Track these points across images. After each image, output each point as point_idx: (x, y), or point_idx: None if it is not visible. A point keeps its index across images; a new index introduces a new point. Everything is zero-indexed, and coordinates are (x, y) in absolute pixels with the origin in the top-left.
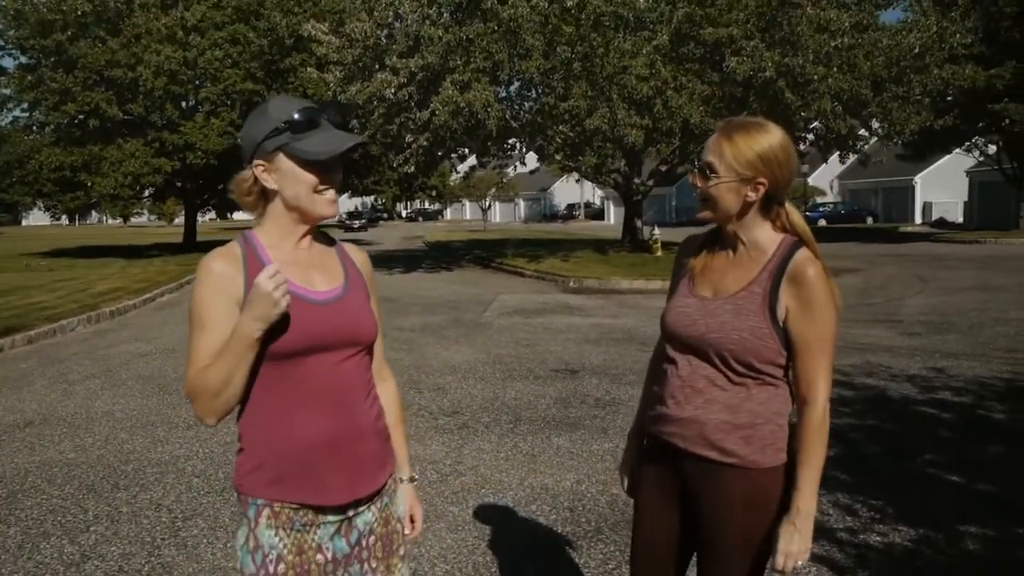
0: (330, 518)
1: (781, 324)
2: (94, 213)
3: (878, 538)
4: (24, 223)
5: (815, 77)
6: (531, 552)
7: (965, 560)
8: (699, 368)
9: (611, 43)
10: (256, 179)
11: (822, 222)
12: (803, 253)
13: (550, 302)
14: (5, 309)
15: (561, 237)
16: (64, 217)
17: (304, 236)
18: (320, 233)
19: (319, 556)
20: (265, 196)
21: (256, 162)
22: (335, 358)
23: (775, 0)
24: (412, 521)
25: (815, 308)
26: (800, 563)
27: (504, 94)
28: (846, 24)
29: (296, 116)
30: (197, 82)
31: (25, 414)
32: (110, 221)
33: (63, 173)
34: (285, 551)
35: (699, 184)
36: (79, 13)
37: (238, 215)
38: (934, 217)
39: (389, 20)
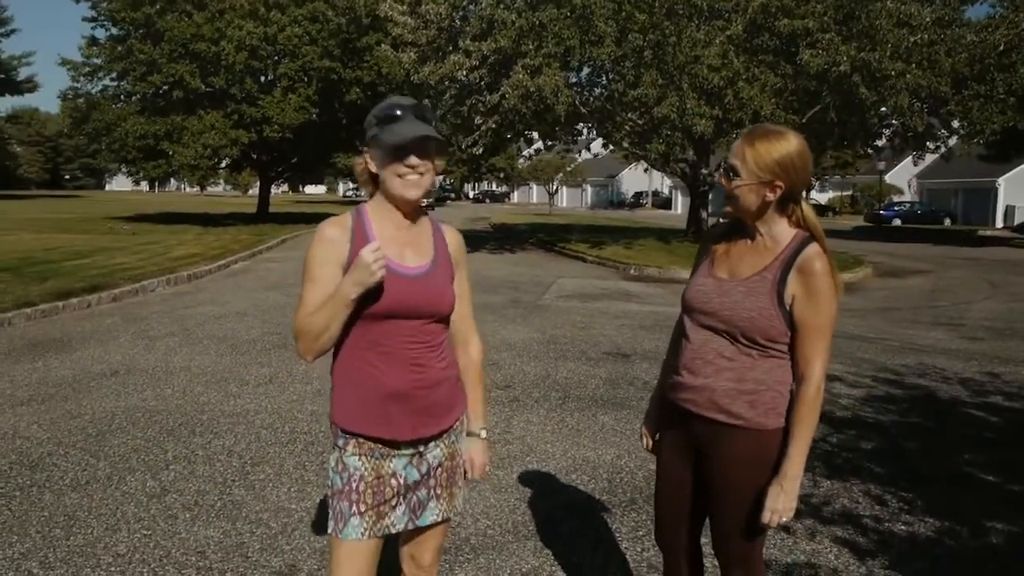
0: (404, 451)
1: (787, 308)
2: (173, 181)
3: (903, 527)
4: (108, 188)
5: (892, 72)
6: (568, 516)
7: (985, 553)
8: (710, 341)
9: (684, 32)
10: (366, 163)
11: (897, 221)
12: (813, 248)
13: (609, 288)
14: (92, 268)
15: (626, 225)
16: (145, 184)
17: (405, 215)
18: (422, 213)
19: (393, 480)
20: (375, 179)
21: (363, 149)
22: (416, 323)
23: None
24: (473, 467)
25: (818, 297)
26: (784, 519)
27: (575, 79)
28: (927, 19)
29: (384, 111)
30: (276, 58)
31: (111, 364)
32: (187, 189)
33: (147, 141)
34: (366, 472)
35: (724, 183)
36: None
37: (310, 189)
38: (1016, 221)
39: (464, 3)
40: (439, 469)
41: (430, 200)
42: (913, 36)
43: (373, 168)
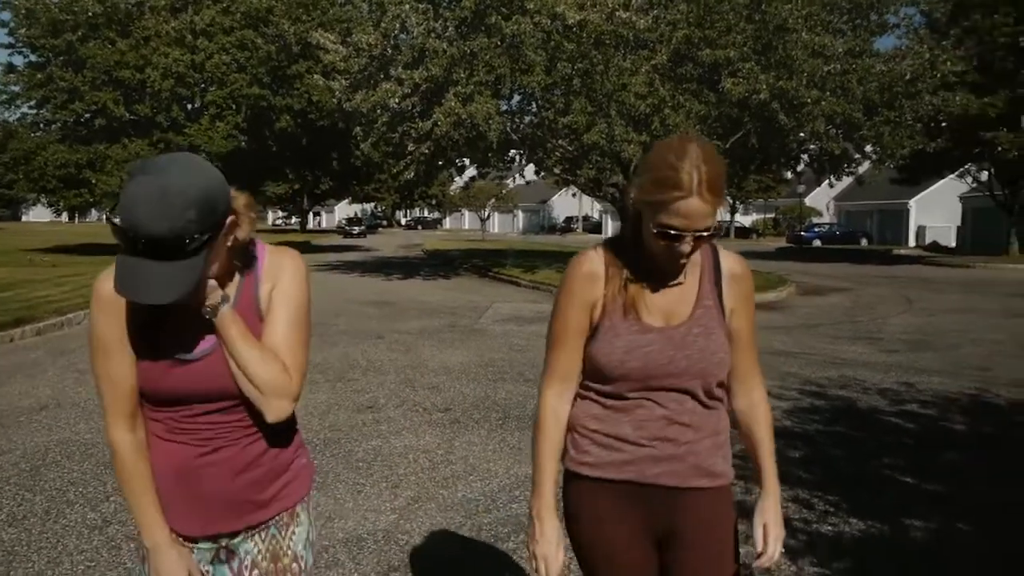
0: (201, 545)
1: (727, 328)
2: (94, 211)
3: (829, 528)
4: (24, 219)
5: (808, 100)
6: (514, 531)
7: (907, 550)
8: (682, 402)
9: (611, 61)
10: None
11: (817, 242)
12: (726, 252)
13: (544, 311)
14: (14, 301)
15: (558, 249)
16: (64, 214)
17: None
18: (242, 254)
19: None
20: None
21: None
22: (200, 408)
23: (772, 25)
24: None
25: (751, 299)
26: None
27: (506, 107)
28: (840, 50)
29: (115, 233)
30: (204, 85)
31: (40, 399)
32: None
33: (68, 170)
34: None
35: (690, 247)
36: (90, 14)
37: None
38: (927, 241)
39: (395, 32)
40: (255, 571)
41: (361, 228)
42: (827, 66)
43: None
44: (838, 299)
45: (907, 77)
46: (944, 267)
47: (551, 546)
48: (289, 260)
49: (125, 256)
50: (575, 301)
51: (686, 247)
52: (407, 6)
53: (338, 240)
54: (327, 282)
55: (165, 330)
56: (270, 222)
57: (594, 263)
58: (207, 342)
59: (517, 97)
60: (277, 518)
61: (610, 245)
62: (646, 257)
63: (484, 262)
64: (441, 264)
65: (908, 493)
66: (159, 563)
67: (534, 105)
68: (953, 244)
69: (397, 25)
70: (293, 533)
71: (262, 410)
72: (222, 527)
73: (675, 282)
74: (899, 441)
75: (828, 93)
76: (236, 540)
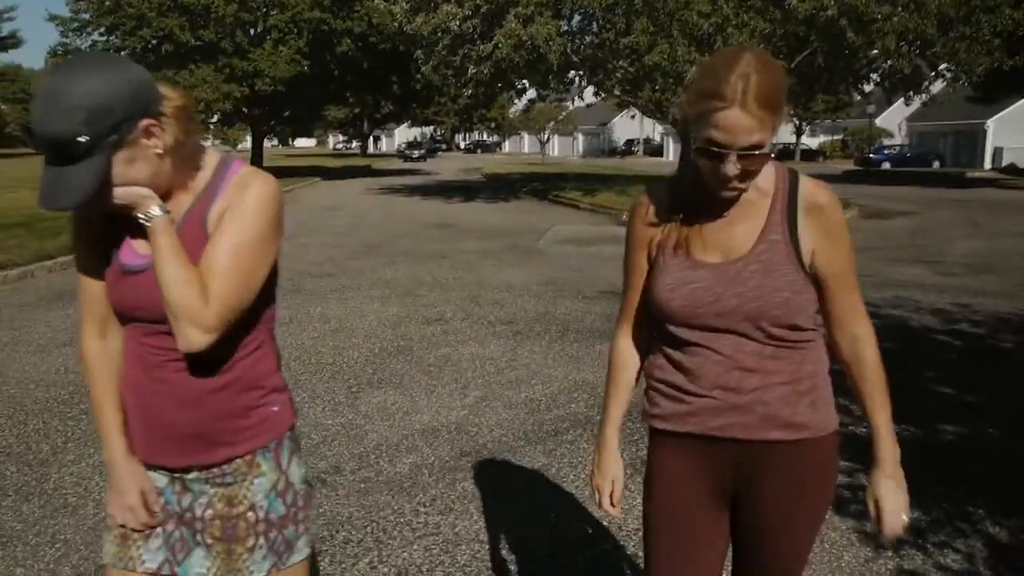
0: (153, 474)
1: (809, 268)
2: None
3: (863, 429)
4: None
5: (879, 16)
6: (572, 426)
7: (935, 448)
8: (741, 345)
9: None
10: None
11: (886, 165)
12: (809, 180)
13: (602, 233)
14: None
15: (618, 172)
16: None
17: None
18: (211, 165)
19: (161, 498)
20: None
21: None
22: (154, 328)
23: None
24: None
25: (840, 236)
26: (905, 519)
27: (566, 28)
28: None
29: (26, 135)
30: (266, 9)
31: None
32: None
33: None
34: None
35: (738, 169)
36: None
37: (300, 142)
38: (1005, 163)
39: None
40: (208, 511)
41: (421, 152)
42: None
43: None
44: (902, 222)
45: None
46: (1019, 190)
47: (605, 479)
48: (258, 181)
49: (46, 167)
50: (634, 242)
51: (731, 168)
52: None
53: (398, 164)
54: (389, 205)
55: (113, 240)
56: (331, 146)
57: (651, 201)
58: (147, 257)
59: (577, 17)
60: (233, 465)
61: (671, 179)
62: (705, 187)
63: (544, 185)
64: (501, 188)
65: (945, 401)
66: (112, 477)
67: (594, 25)
68: None
69: None
70: (251, 483)
71: (175, 336)
72: (166, 460)
73: (736, 213)
74: (945, 357)
75: (900, 8)
76: (189, 476)
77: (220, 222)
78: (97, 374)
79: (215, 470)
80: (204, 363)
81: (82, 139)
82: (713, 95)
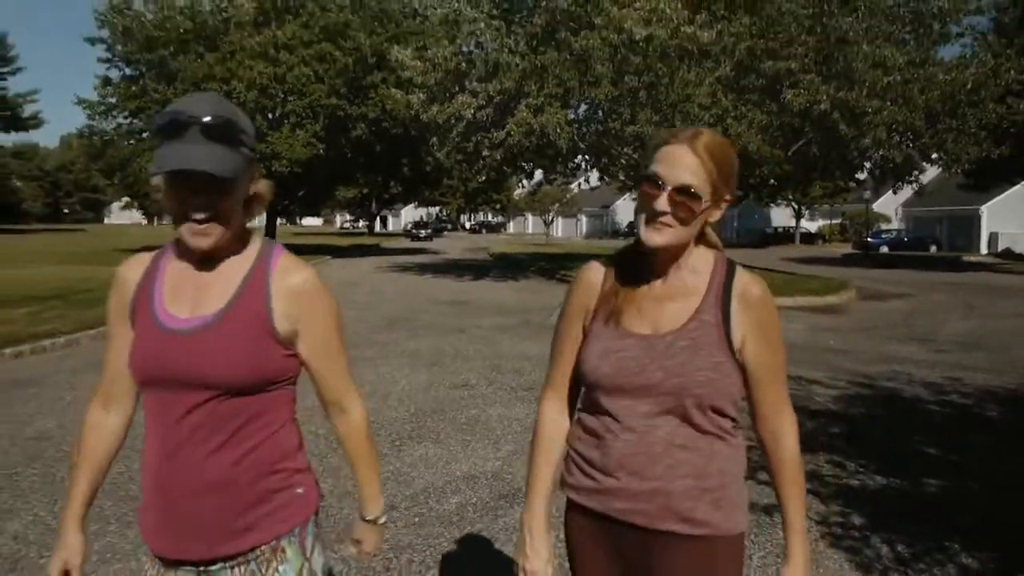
0: (182, 570)
1: (737, 355)
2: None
3: (855, 481)
4: (107, 221)
5: (869, 109)
6: None
7: (920, 500)
8: (654, 427)
9: (676, 73)
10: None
11: (884, 249)
12: (745, 272)
13: None
14: None
15: None
16: (143, 217)
17: (207, 253)
18: (255, 244)
19: None
20: None
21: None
22: (183, 398)
23: (833, 37)
24: (361, 547)
25: (770, 330)
26: None
27: (573, 116)
28: (901, 61)
29: (164, 116)
30: (285, 96)
31: None
32: None
33: None
34: None
35: (668, 207)
36: (181, 31)
37: (307, 221)
38: (1000, 248)
39: (470, 47)
40: None
41: (428, 231)
42: (888, 76)
43: (159, 194)
44: (898, 304)
45: (968, 86)
46: (1014, 275)
47: (540, 561)
48: (314, 287)
49: (170, 142)
50: (570, 310)
51: (662, 204)
52: (482, 24)
53: (405, 243)
54: (403, 282)
55: (169, 293)
56: (338, 225)
57: (593, 271)
58: (201, 319)
59: (584, 106)
60: (258, 552)
61: (618, 254)
62: (647, 263)
63: (550, 265)
64: (509, 267)
65: (931, 461)
66: (59, 539)
67: (600, 113)
68: None
69: (472, 41)
70: (276, 571)
71: None
72: (192, 554)
73: (672, 289)
74: (933, 423)
75: (889, 103)
76: (214, 568)
77: (308, 334)
78: (85, 442)
79: (240, 557)
80: (228, 443)
81: (242, 128)
82: (667, 137)
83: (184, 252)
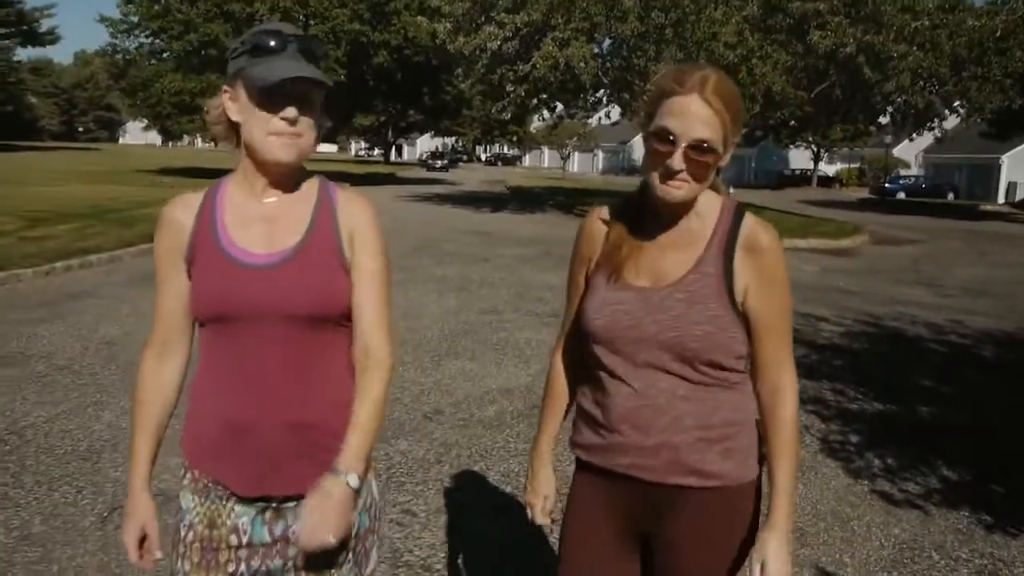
0: (248, 505)
1: (740, 307)
2: (186, 136)
3: (854, 405)
4: (121, 141)
5: (895, 54)
6: None
7: (909, 423)
8: (655, 380)
9: (703, 11)
10: (223, 107)
11: (901, 195)
12: (752, 218)
13: None
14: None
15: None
16: (158, 138)
17: (272, 183)
18: (304, 176)
19: (232, 537)
20: (236, 131)
21: (224, 87)
22: (259, 332)
23: None
24: (310, 530)
25: (777, 280)
26: None
27: (597, 50)
28: (931, 6)
29: (257, 38)
30: (307, 20)
31: None
32: (199, 144)
33: (182, 97)
34: (197, 520)
35: (684, 164)
36: None
37: (321, 147)
38: (1018, 197)
39: None
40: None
41: (444, 162)
42: (916, 21)
43: (234, 115)
44: (910, 249)
45: (998, 33)
46: None
47: (537, 495)
48: (369, 213)
49: (269, 57)
50: (576, 258)
51: (677, 160)
52: None
53: (421, 173)
54: (424, 211)
55: (237, 229)
56: (352, 152)
57: (597, 220)
58: (280, 254)
59: (608, 41)
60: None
61: (622, 201)
62: (651, 211)
63: (568, 199)
64: (526, 200)
65: (924, 391)
66: (127, 503)
67: (625, 49)
68: None
69: None
70: (359, 499)
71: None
72: (274, 488)
73: (674, 239)
74: (932, 360)
75: (916, 48)
76: (288, 505)
77: (354, 255)
78: (141, 395)
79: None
80: (306, 378)
81: (326, 52)
82: (672, 84)
83: (243, 188)
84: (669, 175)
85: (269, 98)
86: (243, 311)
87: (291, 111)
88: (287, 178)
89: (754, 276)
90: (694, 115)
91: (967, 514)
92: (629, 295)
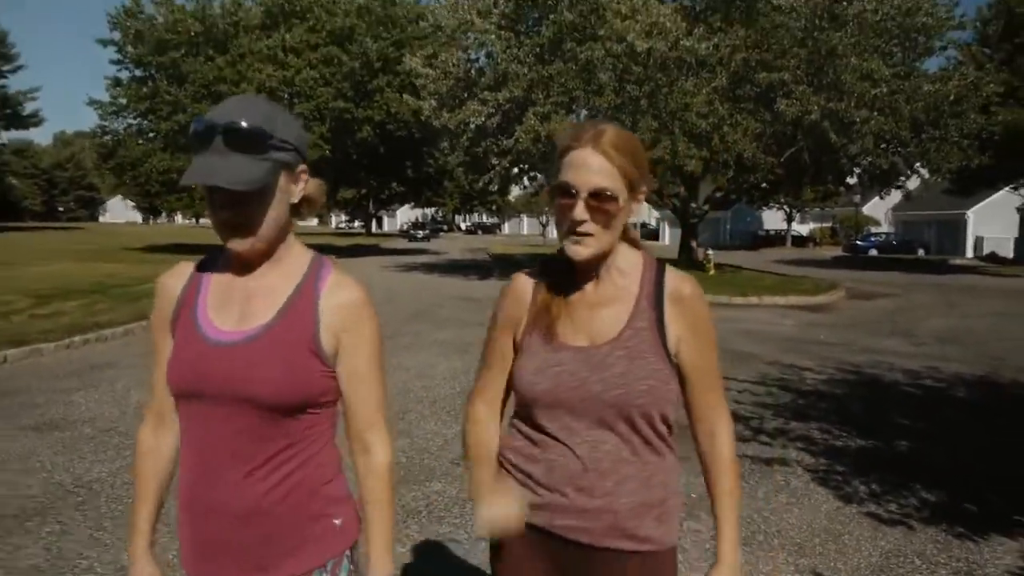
0: None
1: (674, 358)
2: (165, 214)
3: (838, 443)
4: (101, 219)
5: (858, 119)
6: None
7: (888, 456)
8: (599, 442)
9: (675, 83)
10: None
11: (873, 252)
12: (674, 271)
13: None
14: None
15: None
16: (138, 215)
17: (254, 263)
18: (305, 257)
19: None
20: None
21: None
22: (223, 414)
23: (823, 50)
24: None
25: (705, 329)
26: None
27: (576, 123)
28: (887, 74)
29: (192, 125)
30: (292, 99)
31: None
32: (179, 221)
33: (171, 176)
34: None
35: (586, 214)
36: (192, 33)
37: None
38: (986, 251)
39: (480, 57)
40: None
41: (425, 232)
42: (875, 88)
43: None
44: (884, 303)
45: (951, 97)
46: (996, 277)
47: (484, 529)
48: (360, 309)
49: (198, 153)
50: (499, 322)
51: (580, 212)
52: (492, 35)
53: (404, 244)
54: (413, 281)
55: (215, 303)
56: (333, 225)
57: (522, 283)
58: (246, 332)
59: (586, 113)
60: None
61: (546, 263)
62: (576, 272)
63: None
64: (510, 267)
65: (904, 429)
66: (129, 570)
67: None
68: (1011, 255)
69: (482, 51)
70: None
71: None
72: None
73: (604, 296)
74: (909, 402)
75: (876, 113)
76: None
77: (349, 356)
78: (139, 468)
79: None
80: (266, 465)
81: (273, 134)
82: (569, 141)
83: (230, 261)
84: (574, 227)
85: (207, 194)
86: (203, 389)
87: (224, 213)
88: (263, 256)
89: (684, 326)
90: (590, 166)
91: (945, 528)
92: (568, 355)
